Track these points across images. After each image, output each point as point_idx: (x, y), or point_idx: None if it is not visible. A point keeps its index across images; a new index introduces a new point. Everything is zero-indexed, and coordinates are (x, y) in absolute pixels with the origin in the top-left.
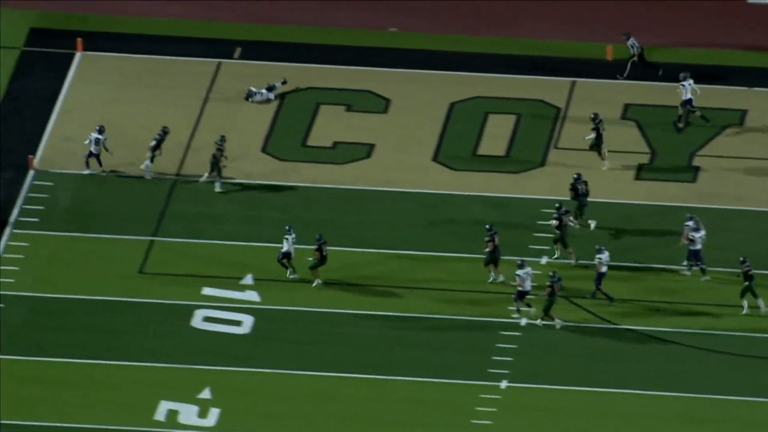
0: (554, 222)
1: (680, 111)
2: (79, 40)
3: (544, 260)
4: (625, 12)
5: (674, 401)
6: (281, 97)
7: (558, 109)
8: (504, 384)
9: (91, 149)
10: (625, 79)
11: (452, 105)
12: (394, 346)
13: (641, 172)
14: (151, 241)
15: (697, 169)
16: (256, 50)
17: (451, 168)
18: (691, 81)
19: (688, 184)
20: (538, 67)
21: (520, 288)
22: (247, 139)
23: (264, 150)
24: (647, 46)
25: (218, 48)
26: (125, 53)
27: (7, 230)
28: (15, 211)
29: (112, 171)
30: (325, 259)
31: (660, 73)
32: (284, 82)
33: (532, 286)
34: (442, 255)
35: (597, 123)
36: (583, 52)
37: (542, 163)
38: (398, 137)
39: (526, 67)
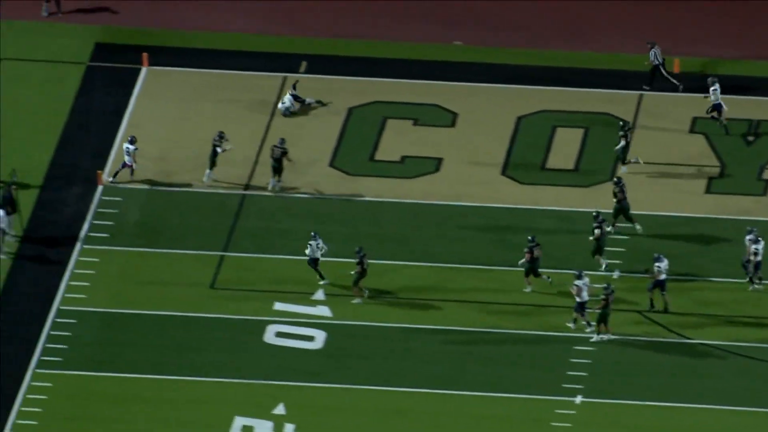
0: (597, 232)
1: (718, 118)
2: (144, 55)
3: (616, 274)
4: (692, 23)
5: (751, 416)
6: (350, 111)
7: (626, 122)
8: (579, 399)
9: (125, 160)
10: (651, 90)
11: (519, 119)
12: (466, 361)
13: (711, 185)
14: (222, 256)
15: (767, 182)
16: (322, 64)
17: (519, 182)
18: (718, 86)
19: (758, 197)
20: (604, 80)
21: (578, 299)
22: (314, 154)
23: (332, 164)
24: (720, 59)
25: (283, 62)
26: (191, 68)
27: (77, 246)
28: (85, 227)
29: (147, 182)
30: (366, 272)
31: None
32: (296, 83)
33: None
34: (511, 270)
35: (626, 131)
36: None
37: (611, 177)
38: (466, 151)
39: (592, 80)
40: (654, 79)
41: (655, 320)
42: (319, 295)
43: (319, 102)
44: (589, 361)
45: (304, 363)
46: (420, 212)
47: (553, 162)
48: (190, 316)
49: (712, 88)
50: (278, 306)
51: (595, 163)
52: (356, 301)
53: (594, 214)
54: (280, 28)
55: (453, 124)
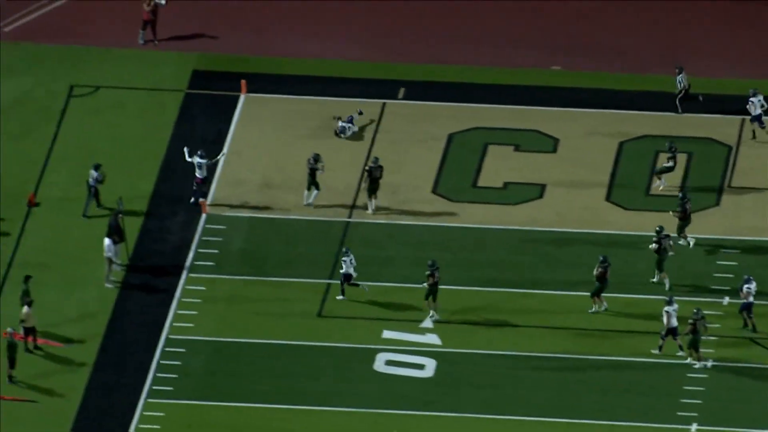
0: (653, 246)
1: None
2: (243, 82)
3: (725, 301)
4: None
5: None
6: (450, 137)
7: (729, 147)
8: (694, 427)
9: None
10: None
11: (621, 144)
12: (578, 389)
13: None
14: (328, 284)
15: None
16: (420, 90)
17: (624, 207)
18: (761, 97)
19: None
20: (707, 104)
21: (666, 325)
22: (416, 180)
23: (434, 191)
24: None
25: (381, 88)
26: (289, 95)
27: (183, 274)
28: (190, 255)
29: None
30: (436, 286)
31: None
32: (360, 113)
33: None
34: (619, 297)
35: (674, 152)
36: (748, 88)
37: (717, 203)
38: (569, 177)
39: (692, 105)
40: (684, 103)
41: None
42: (428, 322)
43: (360, 113)
44: (703, 388)
45: (415, 391)
46: (525, 239)
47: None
48: (299, 344)
49: (753, 99)
50: (387, 334)
51: (700, 188)
52: (432, 315)
53: (657, 229)
54: (377, 55)
55: (554, 150)
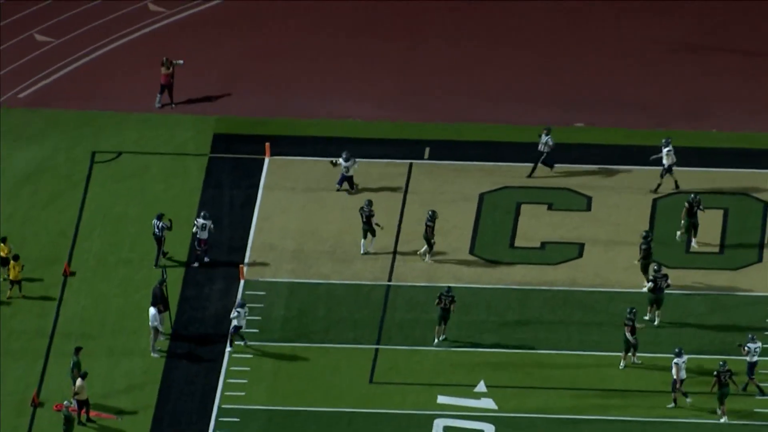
0: (650, 285)
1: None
2: (267, 145)
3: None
4: None
5: None
6: (481, 197)
7: (765, 203)
8: None
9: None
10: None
11: (655, 201)
12: None
13: None
14: (376, 350)
15: None
16: (445, 150)
17: (665, 265)
18: (671, 147)
19: None
20: (735, 159)
21: (675, 377)
22: (453, 241)
23: (472, 252)
24: None
25: (407, 148)
26: (313, 156)
27: (228, 342)
28: (233, 323)
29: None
30: (449, 314)
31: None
32: (334, 164)
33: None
34: (661, 356)
35: (697, 206)
36: None
37: (759, 259)
38: (607, 236)
39: (723, 160)
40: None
41: None
42: (481, 387)
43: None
44: None
45: None
46: (567, 299)
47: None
48: (353, 411)
49: (666, 149)
50: (441, 399)
51: (740, 245)
52: (439, 339)
53: (655, 267)
54: (399, 114)
55: (589, 208)
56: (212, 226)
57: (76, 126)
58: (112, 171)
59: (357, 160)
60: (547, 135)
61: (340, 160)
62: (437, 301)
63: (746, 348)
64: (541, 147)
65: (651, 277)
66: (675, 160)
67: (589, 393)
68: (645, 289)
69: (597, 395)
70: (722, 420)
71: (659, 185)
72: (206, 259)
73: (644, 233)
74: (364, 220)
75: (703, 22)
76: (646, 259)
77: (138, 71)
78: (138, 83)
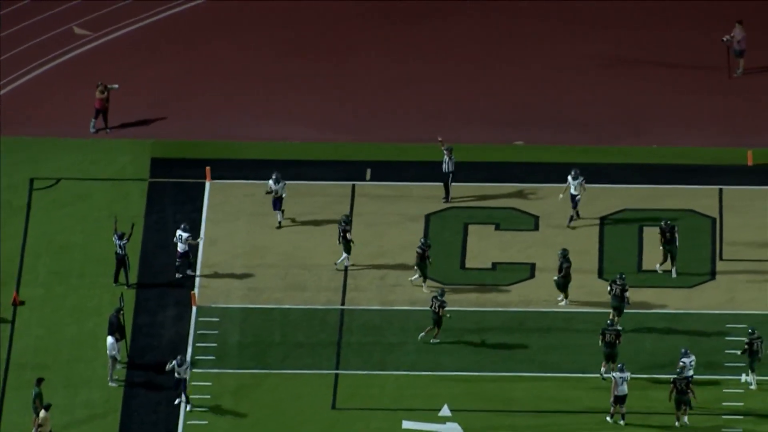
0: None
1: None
2: (207, 169)
3: (743, 378)
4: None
5: None
6: (427, 218)
7: (711, 218)
8: None
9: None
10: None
11: (602, 219)
12: None
13: None
14: (336, 375)
15: None
16: (386, 170)
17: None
18: (582, 179)
19: None
20: (677, 175)
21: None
22: (401, 264)
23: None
24: None
25: (347, 170)
26: (254, 180)
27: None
28: (189, 350)
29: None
30: (441, 321)
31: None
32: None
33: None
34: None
35: (670, 232)
36: (721, 158)
37: (712, 276)
38: (556, 255)
39: (665, 176)
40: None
41: None
42: (445, 411)
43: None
44: None
45: None
46: (524, 320)
47: (648, 263)
48: None
49: (577, 181)
50: (406, 424)
51: (692, 262)
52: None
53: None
54: (337, 136)
55: (536, 227)
56: (191, 238)
57: (8, 152)
58: (53, 198)
59: (285, 182)
60: (450, 158)
61: (270, 182)
62: (430, 304)
63: (681, 363)
64: (446, 167)
65: (609, 282)
66: (585, 190)
67: (555, 414)
68: (562, 304)
69: (562, 416)
70: (677, 424)
71: (573, 218)
72: (189, 272)
73: (562, 251)
74: (341, 234)
75: (635, 37)
76: (565, 278)
77: (69, 95)
78: (69, 108)
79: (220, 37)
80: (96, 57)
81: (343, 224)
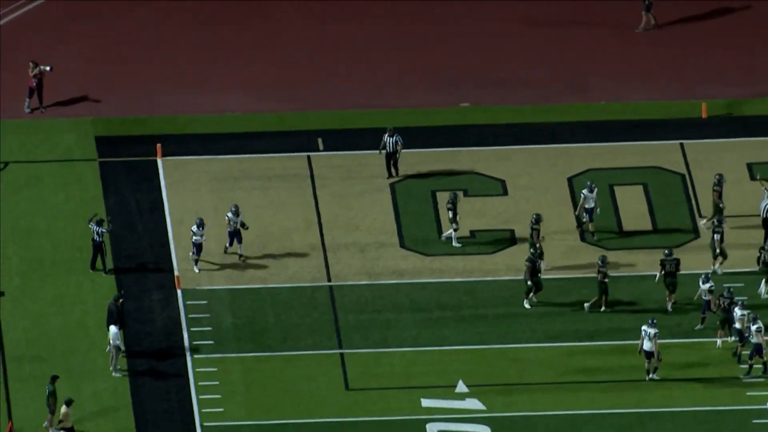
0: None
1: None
2: (158, 146)
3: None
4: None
5: None
6: (392, 187)
7: (681, 174)
8: None
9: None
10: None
11: (570, 179)
12: None
13: None
14: (341, 354)
15: None
16: (337, 139)
17: (606, 248)
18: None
19: None
20: (631, 131)
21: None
22: (379, 235)
23: (403, 245)
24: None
25: (298, 140)
26: (206, 155)
27: (188, 357)
28: (185, 336)
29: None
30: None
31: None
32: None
33: None
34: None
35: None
36: (676, 111)
37: (696, 235)
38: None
39: (620, 133)
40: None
41: None
42: (462, 387)
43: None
44: None
45: None
46: (517, 288)
47: (628, 224)
48: (341, 421)
49: (593, 194)
50: (426, 402)
51: (673, 222)
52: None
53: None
54: (278, 105)
55: (505, 192)
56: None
57: None
58: (5, 182)
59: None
60: (391, 137)
61: (229, 214)
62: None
63: (646, 332)
64: (389, 147)
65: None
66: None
67: (574, 386)
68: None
69: (582, 388)
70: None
71: (593, 232)
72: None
73: (534, 216)
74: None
75: None
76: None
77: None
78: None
79: (132, 9)
80: (9, 35)
81: (452, 198)
